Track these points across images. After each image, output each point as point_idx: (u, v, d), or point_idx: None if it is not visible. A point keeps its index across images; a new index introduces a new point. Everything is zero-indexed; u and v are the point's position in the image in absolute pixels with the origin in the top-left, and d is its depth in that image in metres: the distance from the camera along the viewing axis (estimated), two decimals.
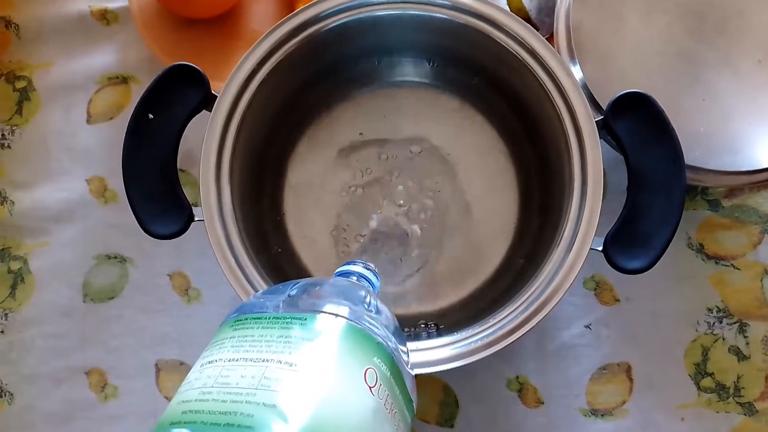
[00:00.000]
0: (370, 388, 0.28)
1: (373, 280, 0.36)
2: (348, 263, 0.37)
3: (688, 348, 0.48)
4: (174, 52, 0.52)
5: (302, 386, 0.26)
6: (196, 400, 0.26)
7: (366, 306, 0.32)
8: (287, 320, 0.29)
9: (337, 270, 0.36)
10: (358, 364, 0.28)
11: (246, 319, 0.30)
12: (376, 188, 0.47)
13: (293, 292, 0.32)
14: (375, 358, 0.29)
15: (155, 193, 0.40)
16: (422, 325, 0.44)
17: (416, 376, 0.47)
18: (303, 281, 0.33)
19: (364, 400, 0.27)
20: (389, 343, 0.31)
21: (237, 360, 0.28)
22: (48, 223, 0.52)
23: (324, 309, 0.30)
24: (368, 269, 0.36)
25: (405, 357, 0.33)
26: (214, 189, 0.40)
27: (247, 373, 0.27)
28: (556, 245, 0.39)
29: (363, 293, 0.33)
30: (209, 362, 0.28)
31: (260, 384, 0.26)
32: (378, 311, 0.33)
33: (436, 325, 0.44)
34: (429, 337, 0.40)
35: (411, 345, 0.39)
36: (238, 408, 0.25)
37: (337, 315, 0.30)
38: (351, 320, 0.30)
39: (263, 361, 0.27)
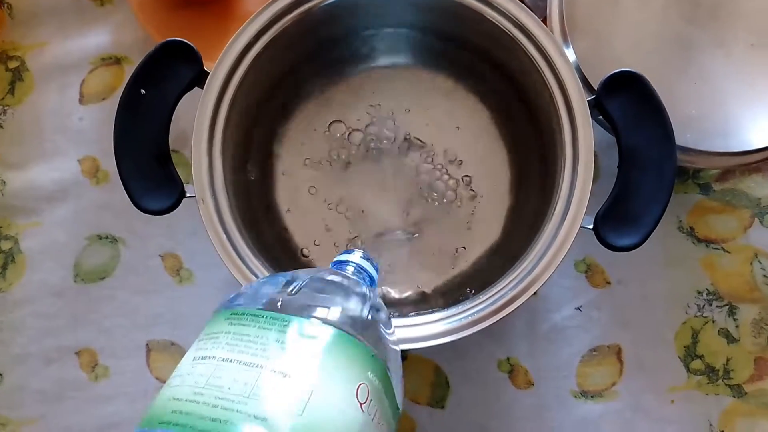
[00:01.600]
0: (360, 404, 0.28)
1: (371, 271, 0.35)
2: (346, 252, 0.37)
3: (678, 330, 0.48)
4: (168, 32, 0.51)
5: (294, 400, 0.26)
6: (186, 400, 0.26)
7: (365, 308, 0.32)
8: (285, 323, 0.29)
9: (335, 259, 0.36)
10: (352, 379, 0.28)
11: (243, 314, 0.30)
12: (369, 167, 0.47)
13: (293, 289, 0.31)
14: (368, 372, 0.29)
15: (147, 169, 0.40)
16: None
17: (407, 357, 0.47)
18: (303, 275, 0.33)
19: (354, 416, 0.27)
20: (384, 349, 0.31)
21: (231, 360, 0.27)
22: (40, 203, 0.52)
23: (324, 316, 0.29)
24: (367, 259, 0.36)
25: (394, 346, 0.32)
26: (206, 163, 0.40)
27: (241, 377, 0.26)
28: (547, 222, 0.39)
29: (363, 294, 0.32)
30: (202, 358, 0.28)
31: (252, 392, 0.26)
32: (376, 310, 0.33)
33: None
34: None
35: (401, 321, 0.39)
36: (228, 416, 0.25)
37: (335, 325, 0.29)
38: (349, 332, 0.29)
39: (257, 366, 0.27)
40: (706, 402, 0.47)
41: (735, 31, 0.46)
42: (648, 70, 0.45)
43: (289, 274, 0.33)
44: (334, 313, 0.30)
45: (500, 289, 0.38)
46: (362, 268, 0.35)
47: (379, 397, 0.29)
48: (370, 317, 0.31)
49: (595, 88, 0.41)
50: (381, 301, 0.34)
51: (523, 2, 0.50)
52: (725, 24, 0.46)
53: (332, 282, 0.33)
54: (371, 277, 0.35)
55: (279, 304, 0.30)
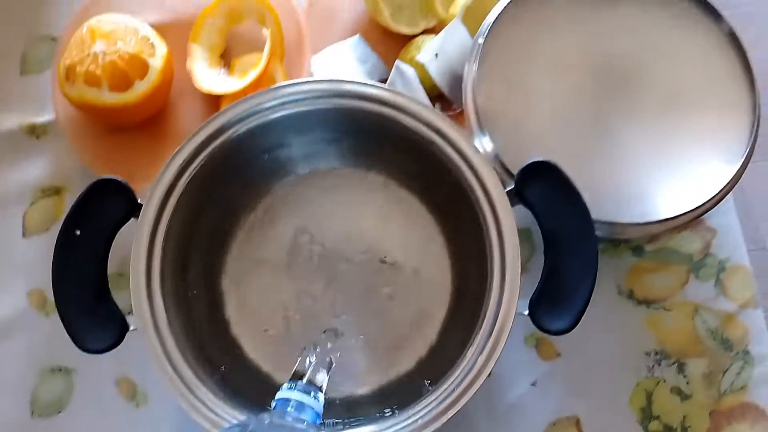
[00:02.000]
0: None
1: (312, 404, 0.36)
2: (287, 387, 0.36)
3: (632, 394, 0.49)
4: (104, 159, 0.53)
5: None
6: None
7: None
8: None
9: (277, 397, 0.36)
10: None
11: None
12: (312, 275, 0.48)
13: None
14: None
15: (87, 309, 0.41)
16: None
17: None
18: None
19: None
20: None
21: None
22: None
23: None
24: (307, 393, 0.36)
25: None
26: (145, 299, 0.41)
27: None
28: (485, 312, 0.40)
29: None
30: None
31: None
32: None
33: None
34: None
35: (364, 430, 0.39)
36: None
37: None
38: None
39: None
40: None
41: (646, 97, 0.48)
42: (564, 148, 0.47)
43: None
44: None
45: (447, 386, 0.39)
46: (303, 403, 0.35)
47: None
48: None
49: (514, 175, 0.43)
50: None
51: (442, 96, 0.53)
52: (636, 91, 0.48)
53: None
54: (313, 410, 0.36)
55: None
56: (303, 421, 0.35)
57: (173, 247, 0.43)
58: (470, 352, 0.40)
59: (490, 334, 0.40)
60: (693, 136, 0.47)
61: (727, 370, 0.49)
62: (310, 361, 0.39)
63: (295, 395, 0.36)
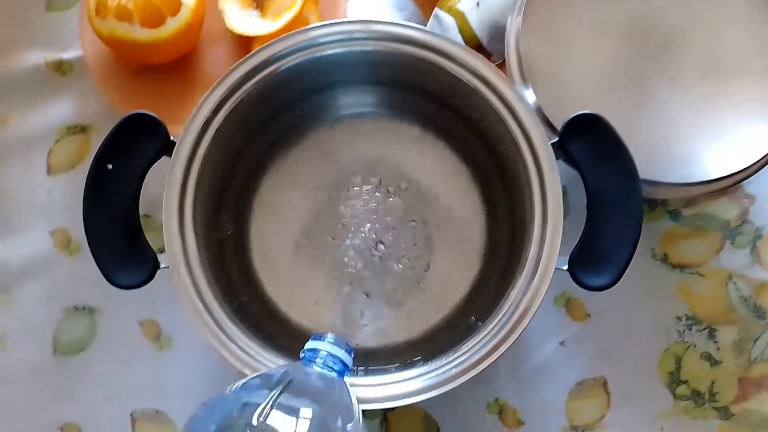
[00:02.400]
0: None
1: (342, 357, 0.35)
2: (316, 338, 0.36)
3: (661, 358, 0.48)
4: (132, 99, 0.52)
5: None
6: None
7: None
8: None
9: (306, 347, 0.36)
10: None
11: None
12: (344, 223, 0.47)
13: (261, 416, 0.30)
14: None
15: (118, 245, 0.40)
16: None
17: (395, 408, 0.47)
18: (272, 395, 0.31)
19: None
20: None
21: None
22: (12, 279, 0.51)
23: None
24: (338, 345, 0.35)
25: None
26: (178, 234, 0.40)
27: None
28: (522, 267, 0.40)
29: (336, 409, 0.32)
30: None
31: None
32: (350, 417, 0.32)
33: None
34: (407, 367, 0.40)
35: (388, 377, 0.39)
36: None
37: None
38: None
39: None
40: (694, 427, 0.47)
41: (688, 62, 0.47)
42: (607, 106, 0.46)
43: (250, 390, 0.33)
44: None
45: (482, 338, 0.39)
46: (333, 355, 0.35)
47: None
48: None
49: (557, 129, 0.42)
50: (354, 404, 0.34)
51: (481, 47, 0.51)
52: (678, 55, 0.47)
53: (303, 406, 0.32)
54: (343, 363, 0.35)
55: None
56: (332, 372, 0.35)
57: (206, 187, 0.42)
58: (507, 304, 0.39)
59: (526, 291, 0.39)
60: (735, 101, 0.46)
61: (758, 338, 0.48)
62: (342, 311, 0.39)
63: (326, 346, 0.35)
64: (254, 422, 0.30)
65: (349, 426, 0.33)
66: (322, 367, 0.35)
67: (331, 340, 0.36)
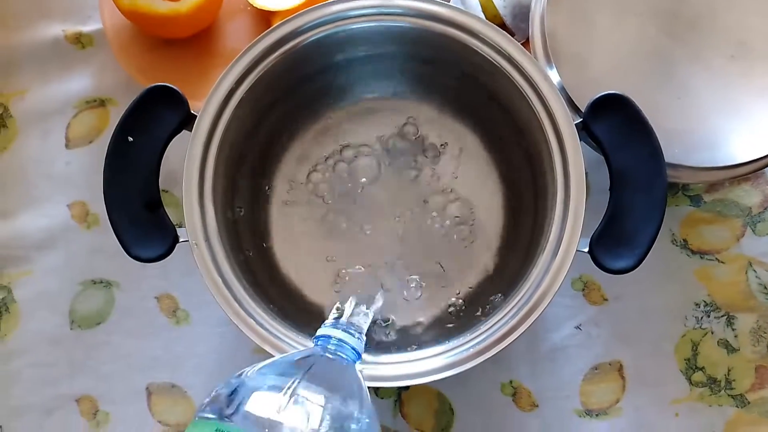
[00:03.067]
0: None
1: (354, 344, 0.35)
2: (329, 324, 0.36)
3: (677, 343, 0.48)
4: (151, 73, 0.52)
5: None
6: None
7: (349, 419, 0.31)
8: None
9: (318, 333, 0.36)
10: None
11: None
12: (363, 202, 0.47)
13: (285, 402, 0.30)
14: None
15: (138, 217, 0.40)
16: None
17: (408, 387, 0.47)
18: (288, 379, 0.31)
19: None
20: None
21: None
22: (30, 251, 0.52)
23: None
24: (349, 332, 0.35)
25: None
26: (197, 208, 0.40)
27: None
28: (543, 248, 0.39)
29: (349, 396, 0.32)
30: None
31: None
32: (361, 408, 0.32)
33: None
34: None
35: (406, 356, 0.39)
36: None
37: None
38: None
39: None
40: (709, 413, 0.47)
41: (714, 43, 0.46)
42: (631, 87, 0.45)
43: (270, 374, 0.33)
44: None
45: (501, 318, 0.39)
46: (343, 342, 0.35)
47: None
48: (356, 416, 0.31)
49: (581, 110, 0.42)
50: (365, 390, 0.34)
51: (504, 25, 0.51)
52: (704, 37, 0.46)
53: (321, 398, 0.31)
54: (354, 349, 0.35)
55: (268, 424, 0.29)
56: (344, 359, 0.35)
57: (225, 161, 0.42)
58: (527, 284, 0.39)
59: (547, 271, 0.39)
60: (761, 85, 0.45)
61: None
62: (353, 300, 0.38)
63: (338, 333, 0.35)
64: (273, 416, 0.29)
65: (362, 412, 0.33)
66: (333, 355, 0.35)
67: (342, 328, 0.36)
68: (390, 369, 0.38)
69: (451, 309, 0.45)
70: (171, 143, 0.41)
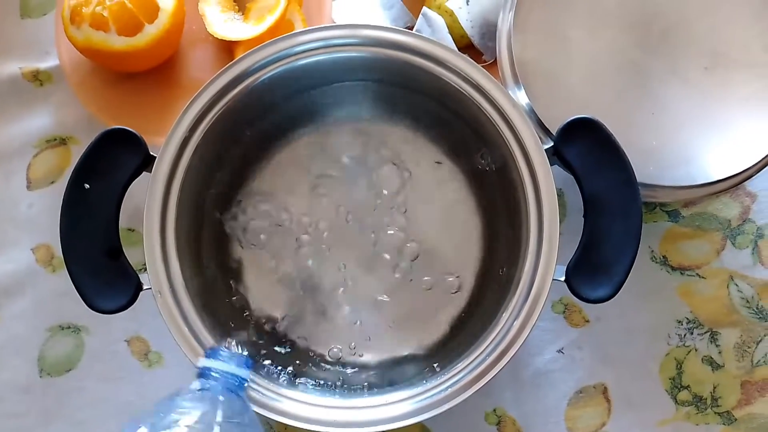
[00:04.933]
0: None
1: (236, 372, 0.36)
2: (210, 353, 0.37)
3: (662, 362, 0.47)
4: (112, 109, 0.50)
5: None
6: None
7: None
8: None
9: (200, 365, 0.36)
10: None
11: None
12: (333, 235, 0.45)
13: None
14: None
15: (99, 267, 0.38)
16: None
17: None
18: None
19: None
20: None
21: None
22: None
23: None
24: (230, 361, 0.36)
25: None
26: (159, 254, 0.39)
27: None
28: (519, 279, 0.38)
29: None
30: None
31: None
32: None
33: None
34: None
35: (390, 397, 0.38)
36: None
37: None
38: None
39: None
40: None
41: (688, 55, 0.45)
42: (604, 104, 0.44)
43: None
44: None
45: (481, 351, 0.38)
46: (226, 372, 0.36)
47: None
48: None
49: (552, 132, 0.41)
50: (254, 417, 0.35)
51: (471, 46, 0.50)
52: (677, 48, 0.45)
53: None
54: (237, 378, 0.36)
55: None
56: (229, 387, 0.36)
57: (189, 204, 0.41)
58: (504, 317, 0.38)
59: (525, 301, 0.38)
60: (738, 97, 0.44)
61: (761, 340, 0.47)
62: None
63: (217, 364, 0.36)
64: None
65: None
66: (220, 383, 0.36)
67: (224, 355, 0.37)
68: (366, 413, 0.37)
69: (429, 347, 0.44)
70: (136, 181, 0.39)
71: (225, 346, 0.38)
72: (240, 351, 0.38)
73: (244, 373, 0.36)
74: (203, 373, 0.36)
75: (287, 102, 0.45)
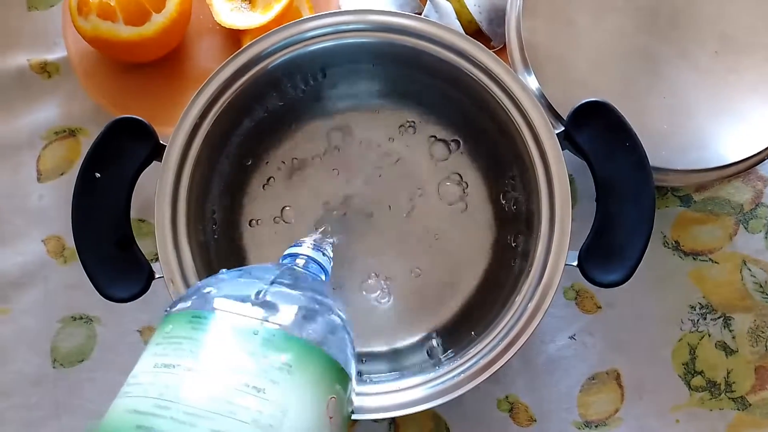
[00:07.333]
0: (330, 418, 0.28)
1: (322, 261, 0.36)
2: (296, 244, 0.37)
3: (674, 348, 0.47)
4: (119, 100, 0.50)
5: (269, 419, 0.25)
6: (151, 414, 0.25)
7: (330, 316, 0.31)
8: (255, 334, 0.28)
9: (286, 252, 0.36)
10: (323, 394, 0.28)
11: (204, 318, 0.28)
12: (345, 218, 0.45)
13: (261, 291, 0.30)
14: (336, 385, 0.29)
15: (110, 256, 0.38)
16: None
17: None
18: (266, 278, 0.32)
19: (323, 430, 0.28)
20: (345, 354, 0.31)
21: (199, 371, 0.26)
22: (7, 289, 0.50)
23: (295, 330, 0.29)
24: (318, 249, 0.36)
25: (350, 343, 0.32)
26: (171, 243, 0.39)
27: (211, 392, 0.25)
28: (531, 264, 0.38)
29: (327, 303, 0.32)
30: (165, 366, 0.27)
31: (227, 411, 0.25)
32: (333, 313, 0.32)
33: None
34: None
35: (402, 383, 0.38)
36: None
37: (308, 340, 0.29)
38: (319, 346, 0.29)
39: (229, 380, 0.26)
40: (710, 418, 0.46)
41: (697, 39, 0.45)
42: (615, 89, 0.44)
43: (255, 270, 0.33)
44: (304, 326, 0.29)
45: (493, 337, 0.37)
46: (312, 259, 0.36)
47: (342, 406, 0.30)
48: (334, 323, 0.31)
49: (562, 116, 0.40)
50: (331, 302, 0.33)
51: (479, 31, 0.49)
52: (687, 33, 0.45)
53: (296, 292, 0.32)
54: (322, 267, 0.36)
55: (254, 304, 0.29)
56: (310, 274, 0.35)
57: (199, 192, 0.41)
58: (517, 301, 0.37)
59: (538, 285, 0.38)
60: (748, 80, 0.44)
61: None
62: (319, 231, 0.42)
63: (305, 250, 0.36)
64: (244, 310, 0.29)
65: (332, 311, 0.33)
66: (303, 269, 0.35)
67: (310, 246, 0.37)
68: (378, 399, 0.37)
69: (439, 330, 0.44)
70: (148, 169, 0.39)
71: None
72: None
73: (327, 263, 0.37)
74: (289, 259, 0.36)
75: (295, 89, 0.45)
